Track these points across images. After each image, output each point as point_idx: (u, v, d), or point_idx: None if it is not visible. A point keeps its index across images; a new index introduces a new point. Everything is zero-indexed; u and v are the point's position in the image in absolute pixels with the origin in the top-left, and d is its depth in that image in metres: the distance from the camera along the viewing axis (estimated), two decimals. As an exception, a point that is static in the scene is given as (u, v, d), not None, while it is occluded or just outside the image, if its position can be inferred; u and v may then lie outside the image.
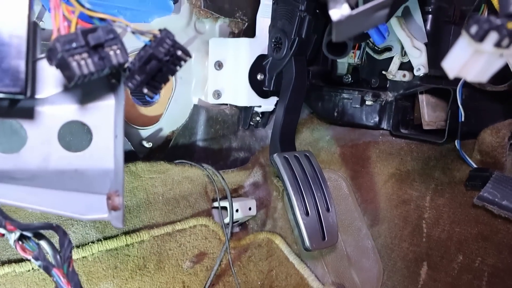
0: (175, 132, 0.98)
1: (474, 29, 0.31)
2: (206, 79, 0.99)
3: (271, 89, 0.97)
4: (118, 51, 0.40)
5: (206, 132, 1.01)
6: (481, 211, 0.73)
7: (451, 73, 0.34)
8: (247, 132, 1.08)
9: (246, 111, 1.04)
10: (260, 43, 0.97)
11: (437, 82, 0.82)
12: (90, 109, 0.47)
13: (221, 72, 0.98)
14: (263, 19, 0.96)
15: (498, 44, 0.31)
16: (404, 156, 0.85)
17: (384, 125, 0.92)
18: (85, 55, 0.37)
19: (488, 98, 0.80)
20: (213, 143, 1.03)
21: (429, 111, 0.87)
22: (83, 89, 0.46)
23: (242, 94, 0.97)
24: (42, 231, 0.47)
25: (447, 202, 0.77)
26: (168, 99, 0.97)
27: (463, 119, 0.78)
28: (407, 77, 0.86)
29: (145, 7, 0.88)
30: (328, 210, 0.80)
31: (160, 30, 0.43)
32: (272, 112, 1.06)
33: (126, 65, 0.41)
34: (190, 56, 0.44)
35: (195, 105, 0.99)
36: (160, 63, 0.42)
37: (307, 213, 0.78)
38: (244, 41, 0.97)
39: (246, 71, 0.96)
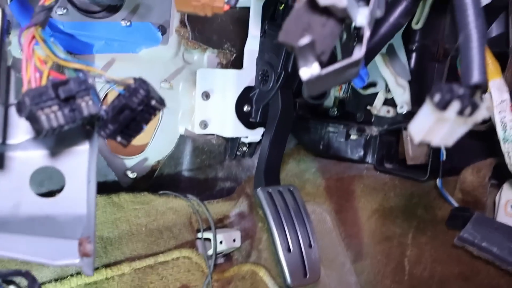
0: (160, 162, 0.98)
1: (437, 97, 0.31)
2: (193, 109, 0.99)
3: (258, 120, 0.97)
4: (90, 102, 0.40)
5: (192, 162, 1.01)
6: (462, 251, 0.73)
7: (416, 138, 0.34)
8: (233, 162, 1.08)
9: (232, 142, 1.04)
10: (247, 75, 0.97)
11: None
12: (64, 155, 0.47)
13: (208, 103, 0.98)
14: (251, 51, 0.97)
15: (460, 113, 0.31)
16: (388, 192, 0.85)
17: (369, 159, 0.92)
18: (55, 108, 0.37)
19: (470, 137, 0.81)
20: (199, 173, 1.03)
21: (413, 147, 0.87)
22: (57, 135, 0.46)
23: (228, 125, 0.97)
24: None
25: (429, 240, 0.77)
26: (154, 128, 0.97)
27: (444, 158, 0.78)
28: (391, 113, 0.87)
29: (133, 38, 0.89)
30: (310, 246, 0.79)
31: (134, 79, 0.43)
32: (259, 143, 1.06)
33: (99, 114, 0.41)
34: (164, 106, 0.44)
35: (181, 135, 0.99)
36: (134, 113, 0.42)
37: (288, 249, 0.77)
38: (231, 72, 0.97)
39: (233, 102, 0.97)
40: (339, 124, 0.95)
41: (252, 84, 0.97)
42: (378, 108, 0.89)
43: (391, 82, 0.82)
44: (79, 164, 0.47)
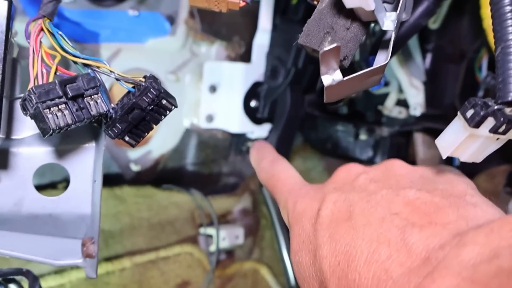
0: (164, 155, 0.96)
1: (470, 113, 0.29)
2: (199, 102, 0.97)
3: (265, 116, 0.95)
4: (99, 100, 0.38)
5: (197, 156, 0.99)
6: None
7: (444, 153, 0.32)
8: (238, 157, 1.06)
9: (238, 137, 1.02)
10: (256, 69, 0.95)
11: (434, 122, 0.81)
12: (69, 152, 0.45)
13: (215, 96, 0.96)
14: (260, 45, 0.95)
15: (494, 130, 0.29)
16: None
17: (378, 160, 0.90)
18: (62, 106, 0.36)
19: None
20: (203, 168, 1.01)
21: (424, 150, 0.85)
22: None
23: (235, 120, 0.95)
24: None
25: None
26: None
27: (457, 163, 0.76)
28: (403, 114, 0.85)
29: (140, 28, 0.87)
30: (315, 248, 0.78)
31: (145, 77, 0.41)
32: (265, 139, 1.04)
33: (107, 113, 0.39)
34: (176, 106, 0.42)
35: (186, 129, 0.97)
36: (144, 112, 0.40)
37: (294, 251, 0.76)
38: (240, 66, 0.95)
39: (240, 97, 0.95)
40: (349, 123, 0.93)
41: (261, 79, 0.95)
42: (390, 108, 0.87)
43: (405, 82, 0.80)
44: (85, 162, 0.45)
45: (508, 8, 0.29)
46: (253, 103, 0.95)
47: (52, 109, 0.35)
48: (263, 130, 0.98)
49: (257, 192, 1.02)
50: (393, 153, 0.89)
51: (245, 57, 0.99)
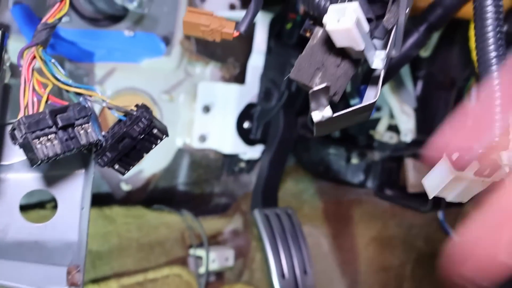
0: (156, 174, 0.95)
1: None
2: (192, 122, 0.97)
3: (258, 138, 0.95)
4: (89, 130, 0.38)
5: (189, 176, 0.99)
6: None
7: (430, 193, 0.33)
8: (230, 177, 1.06)
9: (231, 157, 1.02)
10: (250, 91, 0.96)
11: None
12: (57, 179, 0.45)
13: (208, 117, 0.96)
14: (255, 67, 0.96)
15: (479, 174, 0.30)
16: (387, 220, 0.84)
17: (369, 184, 0.91)
18: (52, 136, 0.35)
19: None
20: (195, 188, 1.01)
21: (415, 175, 0.86)
22: (52, 159, 0.44)
23: (228, 141, 0.95)
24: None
25: (427, 274, 0.75)
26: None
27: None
28: (395, 139, 0.86)
29: (136, 48, 0.87)
30: (305, 272, 0.77)
31: (137, 106, 0.41)
32: (257, 159, 1.04)
33: (98, 142, 0.39)
34: (167, 135, 0.42)
35: (179, 148, 0.97)
36: (134, 141, 0.40)
37: (283, 276, 0.75)
38: (233, 87, 0.96)
39: (233, 118, 0.95)
40: (341, 146, 0.94)
41: (254, 100, 0.96)
42: (381, 133, 0.87)
43: (396, 109, 0.80)
44: (73, 189, 0.45)
45: (491, 43, 0.30)
46: (246, 124, 0.95)
47: (41, 139, 0.35)
48: (256, 151, 0.98)
49: (248, 213, 1.01)
50: (384, 177, 0.89)
51: (239, 78, 1.00)
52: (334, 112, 0.34)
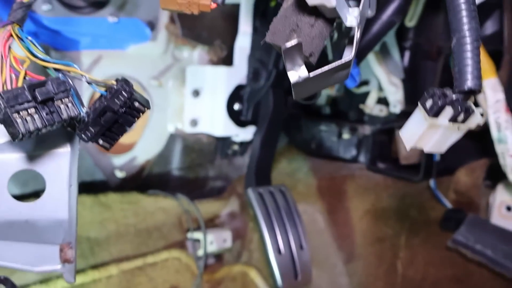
0: (149, 161, 0.96)
1: (429, 103, 0.30)
2: (183, 107, 0.98)
3: (249, 119, 0.96)
4: (69, 104, 0.38)
5: (182, 161, 0.99)
6: (456, 253, 0.72)
7: (408, 145, 0.33)
8: (224, 160, 1.06)
9: (223, 140, 1.02)
10: (238, 73, 0.96)
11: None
12: (44, 157, 0.45)
13: (198, 101, 0.96)
14: (242, 48, 0.95)
15: (453, 119, 0.30)
16: (380, 192, 0.84)
17: (362, 158, 0.91)
18: (32, 110, 0.35)
19: (464, 136, 0.80)
20: (189, 172, 1.01)
21: (406, 146, 0.86)
22: (36, 137, 0.44)
23: (219, 123, 0.96)
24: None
25: (422, 242, 0.76)
26: (143, 127, 0.95)
27: (438, 158, 0.77)
28: (384, 112, 0.86)
29: (121, 35, 0.87)
30: (301, 247, 0.78)
31: (117, 80, 0.41)
32: (250, 141, 1.04)
33: (80, 117, 0.40)
34: (148, 108, 0.42)
35: (171, 134, 0.97)
36: (116, 115, 0.40)
37: (279, 251, 0.76)
38: (222, 69, 0.95)
39: (223, 100, 0.95)
40: (331, 122, 0.94)
41: (243, 82, 0.96)
42: (371, 107, 0.88)
43: (384, 80, 0.80)
44: (60, 167, 0.45)
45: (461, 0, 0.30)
46: (236, 106, 0.96)
47: (21, 113, 0.35)
48: (248, 132, 0.99)
49: (244, 195, 1.02)
50: (376, 151, 0.90)
51: (227, 60, 1.00)
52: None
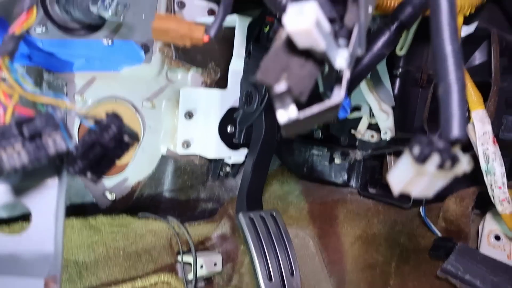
0: (140, 182, 0.95)
1: (416, 150, 0.30)
2: (176, 128, 0.98)
3: (241, 142, 0.96)
4: (57, 139, 0.38)
5: (174, 183, 0.99)
6: (446, 282, 0.72)
7: (395, 189, 0.33)
8: (216, 182, 1.06)
9: (215, 162, 1.02)
10: (231, 95, 0.96)
11: (404, 145, 0.82)
12: (31, 190, 0.44)
13: (191, 122, 0.96)
14: (236, 71, 0.96)
15: (440, 166, 0.30)
16: (371, 218, 0.84)
17: (353, 183, 0.91)
18: (18, 146, 0.35)
19: (454, 164, 0.80)
20: (180, 194, 1.01)
21: (397, 172, 0.86)
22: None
23: (211, 146, 0.96)
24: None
25: (412, 270, 0.76)
26: (135, 147, 0.95)
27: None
28: (376, 138, 0.86)
29: (115, 57, 0.87)
30: (292, 274, 0.77)
31: (106, 114, 0.41)
32: (242, 163, 1.04)
33: (68, 151, 0.39)
34: (137, 141, 0.42)
35: (162, 155, 0.97)
36: (105, 149, 0.40)
37: (270, 278, 0.75)
38: (215, 92, 0.96)
39: (216, 123, 0.95)
40: (323, 147, 0.94)
41: (236, 105, 0.96)
42: (362, 132, 0.88)
43: (375, 107, 0.81)
44: (47, 199, 0.44)
45: (448, 48, 0.30)
46: (229, 129, 0.96)
47: (7, 149, 0.35)
48: (240, 154, 0.99)
49: (235, 217, 1.01)
50: (367, 176, 0.90)
51: (221, 83, 1.00)
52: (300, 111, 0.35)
